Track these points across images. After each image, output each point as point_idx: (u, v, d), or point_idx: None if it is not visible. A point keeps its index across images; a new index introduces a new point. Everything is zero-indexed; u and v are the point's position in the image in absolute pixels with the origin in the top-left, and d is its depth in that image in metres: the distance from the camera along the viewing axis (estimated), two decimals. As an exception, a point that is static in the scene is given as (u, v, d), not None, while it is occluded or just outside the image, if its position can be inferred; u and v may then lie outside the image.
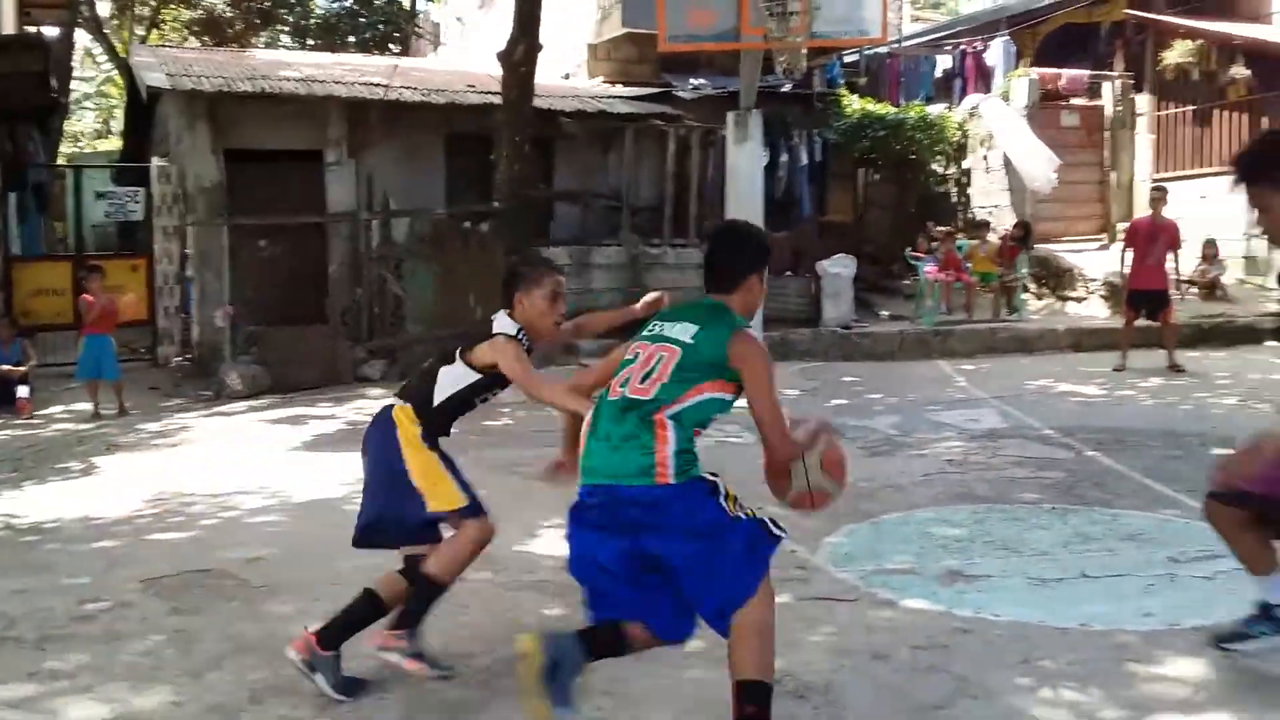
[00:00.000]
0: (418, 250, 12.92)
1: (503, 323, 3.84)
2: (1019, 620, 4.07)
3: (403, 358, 12.11)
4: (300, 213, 13.33)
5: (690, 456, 3.08)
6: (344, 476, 6.96)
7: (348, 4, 26.46)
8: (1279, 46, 14.79)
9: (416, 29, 26.17)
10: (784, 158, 15.82)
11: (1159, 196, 11.22)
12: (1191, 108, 16.05)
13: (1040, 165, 15.79)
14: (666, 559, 3.01)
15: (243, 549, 5.39)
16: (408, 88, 14.22)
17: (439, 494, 3.83)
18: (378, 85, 13.88)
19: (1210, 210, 15.55)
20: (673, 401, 3.08)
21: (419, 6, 27.56)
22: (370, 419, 3.98)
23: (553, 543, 5.29)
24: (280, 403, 10.68)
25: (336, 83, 14.19)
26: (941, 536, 5.27)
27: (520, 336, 3.80)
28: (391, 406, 3.91)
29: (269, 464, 7.63)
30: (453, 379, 3.86)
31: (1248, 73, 15.02)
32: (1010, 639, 3.89)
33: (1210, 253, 14.48)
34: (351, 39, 25.21)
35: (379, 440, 3.89)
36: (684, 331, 3.21)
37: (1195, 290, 14.14)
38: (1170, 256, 10.89)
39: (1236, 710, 3.27)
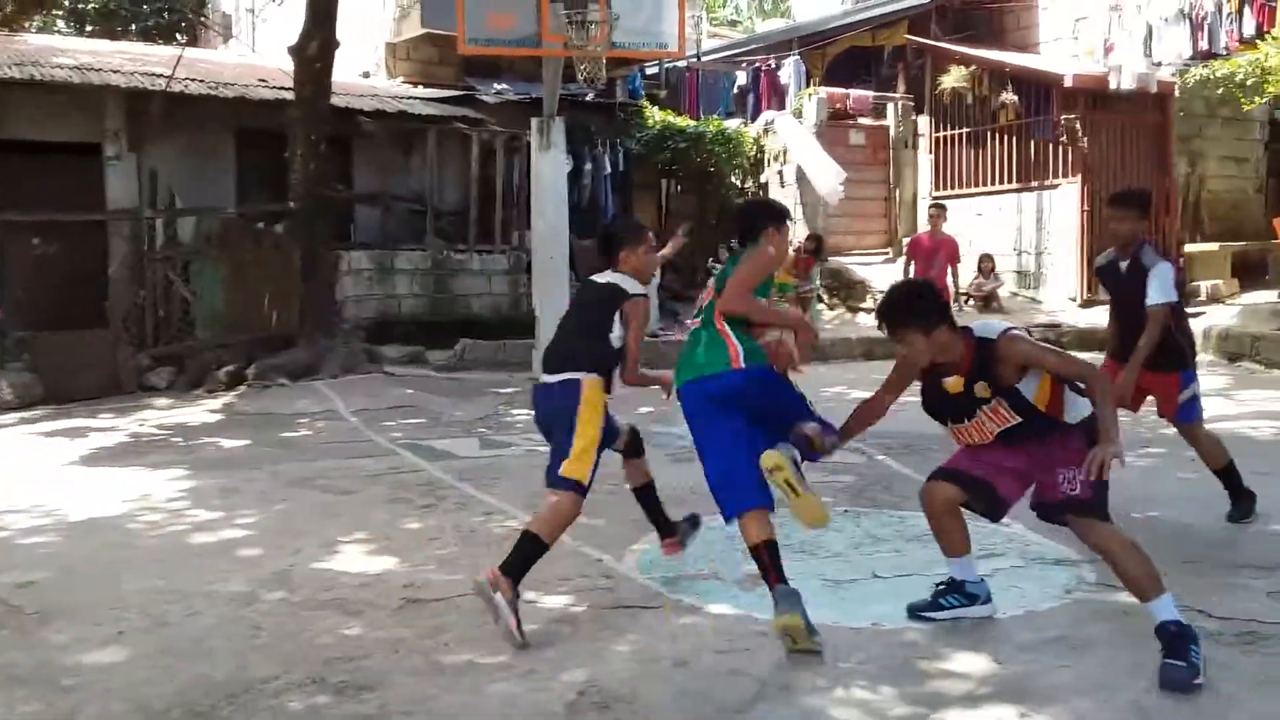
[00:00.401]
0: (206, 251, 12.34)
1: (629, 282, 4.49)
2: (816, 621, 4.18)
3: (192, 365, 11.52)
4: (77, 209, 12.50)
5: (753, 346, 4.14)
6: (125, 493, 6.59)
7: (129, -10, 25.00)
8: (1044, 74, 15.91)
9: (203, 19, 24.99)
10: (588, 166, 15.93)
11: (937, 214, 11.87)
12: (966, 130, 17.07)
13: (829, 178, 16.47)
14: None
15: (14, 572, 5.00)
16: (194, 79, 13.55)
17: (578, 466, 4.22)
18: (160, 76, 13.17)
19: (985, 226, 16.61)
20: (713, 313, 4.21)
21: (207, -4, 26.32)
22: (551, 387, 4.35)
23: (352, 559, 5.15)
24: (55, 414, 9.97)
25: (115, 72, 13.38)
26: (743, 541, 5.39)
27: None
28: (578, 380, 4.31)
29: (43, 480, 7.11)
30: (618, 345, 4.44)
31: (1015, 98, 16.10)
32: (808, 640, 4.02)
33: (987, 267, 15.44)
34: (133, 27, 23.86)
35: (567, 405, 4.28)
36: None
37: (973, 303, 15.04)
38: (949, 270, 11.53)
39: (1016, 702, 3.47)
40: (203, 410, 9.94)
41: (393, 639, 4.08)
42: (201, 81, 13.61)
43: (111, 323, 11.98)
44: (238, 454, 7.92)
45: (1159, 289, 5.36)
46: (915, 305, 3.94)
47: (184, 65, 13.56)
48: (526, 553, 4.14)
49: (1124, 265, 5.54)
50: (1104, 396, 3.68)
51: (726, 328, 4.17)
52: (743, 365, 4.09)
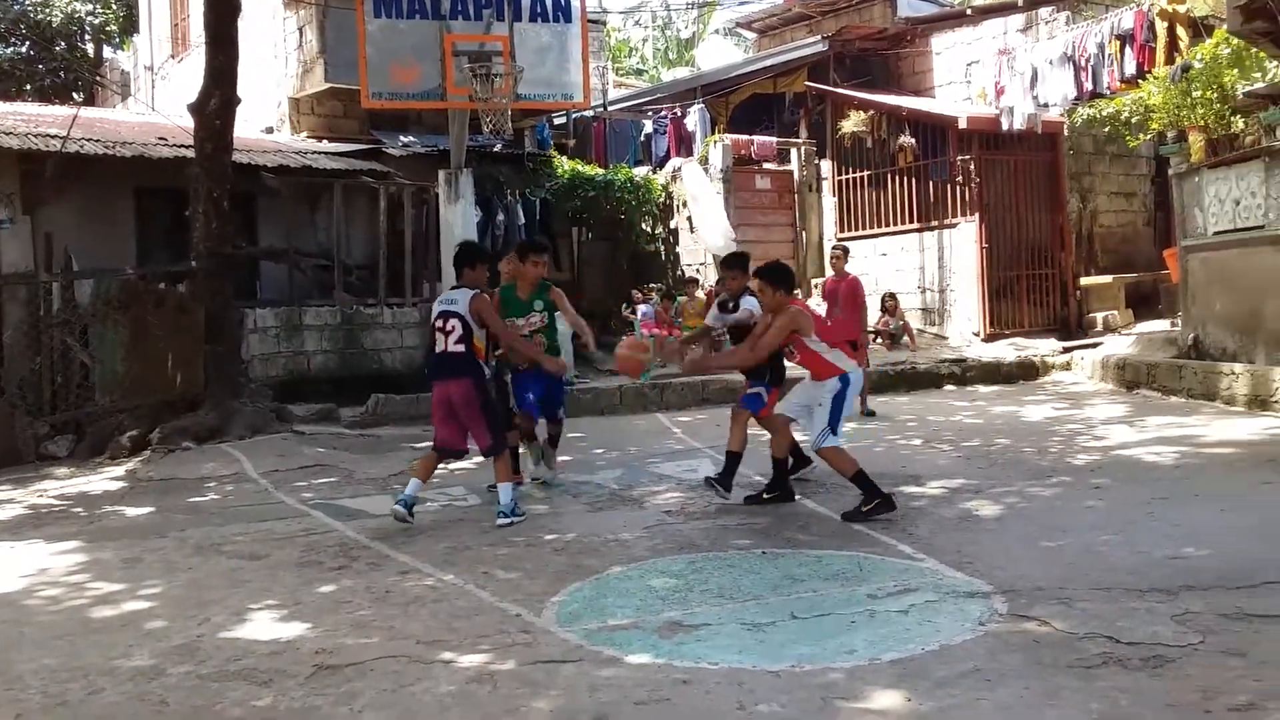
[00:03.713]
0: (106, 314, 12.00)
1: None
2: (736, 666, 4.19)
3: (92, 431, 11.17)
4: (-32, 275, 12.11)
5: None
6: (23, 567, 6.35)
7: (24, 50, 24.58)
8: (940, 117, 16.40)
9: (100, 78, 24.55)
10: (500, 216, 15.94)
11: (839, 255, 12.07)
12: (868, 172, 17.48)
13: (716, 236, 16.71)
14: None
15: (-101, 658, 4.76)
16: (90, 139, 13.28)
17: None
18: (55, 136, 12.88)
19: (890, 265, 16.99)
20: None
21: (104, 55, 25.95)
22: None
23: (262, 626, 5.01)
24: (-55, 488, 9.59)
25: (8, 133, 13.05)
26: (662, 588, 5.38)
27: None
28: None
29: (-69, 558, 6.81)
30: None
31: (913, 141, 16.56)
32: (727, 686, 4.00)
33: (890, 305, 15.75)
34: (28, 87, 23.41)
35: None
36: None
37: (880, 340, 15.32)
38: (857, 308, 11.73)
39: (932, 736, 3.51)
40: (105, 478, 9.64)
41: (305, 708, 3.96)
42: (98, 141, 13.34)
43: (6, 391, 11.57)
44: (142, 522, 7.68)
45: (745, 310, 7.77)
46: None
47: (81, 124, 13.29)
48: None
49: (733, 305, 7.90)
50: None
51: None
52: None
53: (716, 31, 39.57)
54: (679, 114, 19.76)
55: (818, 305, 12.53)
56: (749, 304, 7.73)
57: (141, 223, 14.00)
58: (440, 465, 7.44)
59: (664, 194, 18.20)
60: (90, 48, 26.25)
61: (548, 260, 8.18)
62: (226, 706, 4.02)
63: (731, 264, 8.14)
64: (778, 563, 5.76)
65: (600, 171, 17.71)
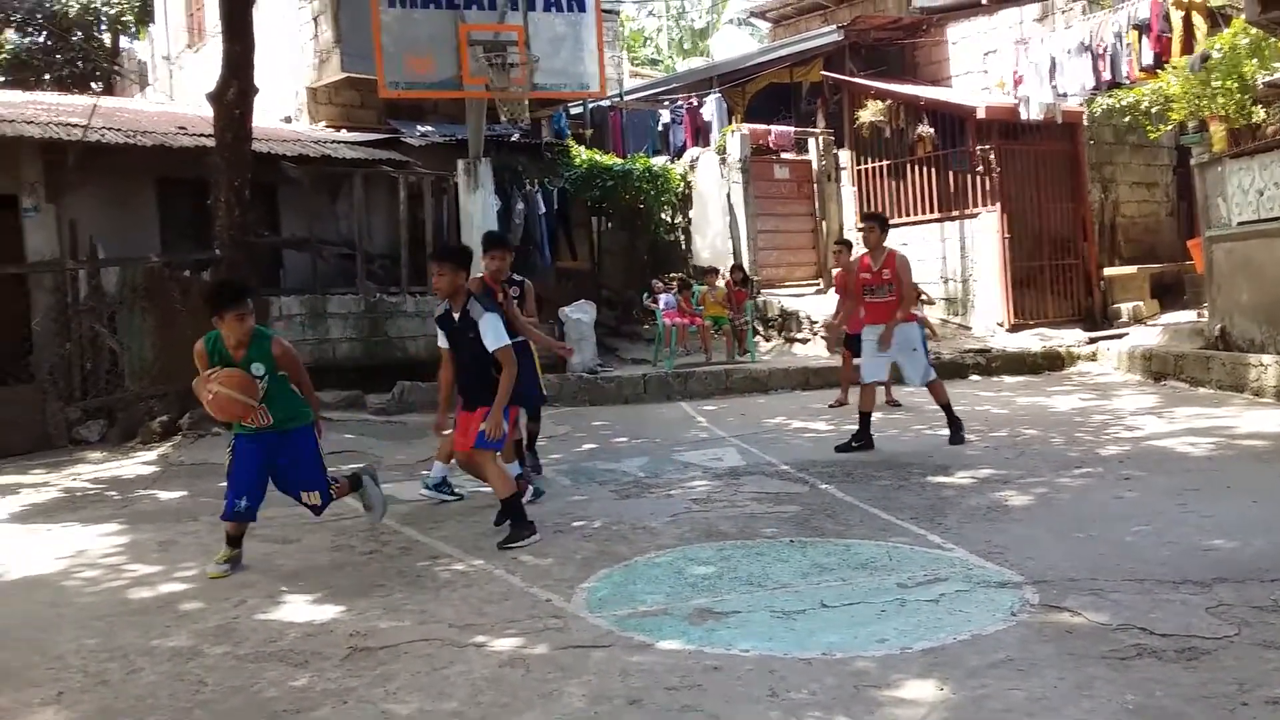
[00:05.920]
0: (133, 301, 12.08)
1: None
2: (766, 654, 4.20)
3: (123, 416, 11.25)
4: (-5, 262, 12.16)
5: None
6: (60, 549, 6.42)
7: (42, 40, 24.70)
8: (958, 107, 16.32)
9: (118, 68, 24.67)
10: (520, 205, 15.95)
11: (839, 250, 12.03)
12: (886, 162, 17.42)
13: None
14: None
15: (-58, 639, 4.83)
16: (111, 128, 13.33)
17: None
18: (76, 125, 12.92)
19: (911, 256, 16.90)
20: None
21: (122, 45, 26.04)
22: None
23: (297, 609, 5.06)
24: (-18, 472, 9.68)
25: (29, 122, 13.09)
26: (691, 575, 5.41)
27: None
28: None
29: (-31, 541, 6.89)
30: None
31: (932, 131, 16.49)
32: (759, 673, 4.01)
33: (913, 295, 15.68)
34: (47, 77, 23.53)
35: None
36: None
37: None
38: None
39: (965, 724, 3.52)
40: (137, 463, 9.71)
41: (341, 689, 4.01)
42: (119, 130, 13.39)
43: (37, 377, 11.66)
44: (175, 506, 7.75)
45: (494, 336, 6.08)
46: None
47: (101, 114, 13.34)
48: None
49: (456, 315, 6.21)
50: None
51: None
52: None
53: (730, 21, 39.50)
54: (695, 104, 19.72)
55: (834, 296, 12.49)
56: (491, 326, 6.12)
57: (164, 211, 14.05)
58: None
59: (683, 184, 18.18)
60: (107, 38, 26.33)
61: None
62: (264, 687, 4.07)
63: (446, 257, 6.37)
64: (806, 551, 5.77)
65: (618, 161, 17.70)
